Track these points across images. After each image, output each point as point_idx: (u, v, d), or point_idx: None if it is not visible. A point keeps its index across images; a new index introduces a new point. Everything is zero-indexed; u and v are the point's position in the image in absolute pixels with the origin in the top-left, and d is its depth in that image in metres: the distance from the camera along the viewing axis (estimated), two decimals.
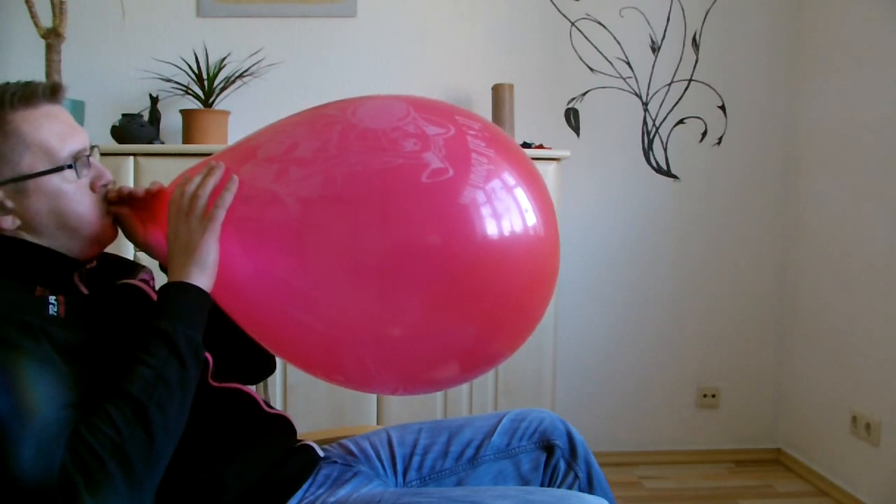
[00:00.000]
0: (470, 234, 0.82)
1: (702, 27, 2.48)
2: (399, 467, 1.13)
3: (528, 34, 2.44)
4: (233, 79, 2.24)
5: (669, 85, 2.49)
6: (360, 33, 2.40)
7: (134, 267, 1.04)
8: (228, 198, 0.86)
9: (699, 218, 2.52)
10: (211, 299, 0.87)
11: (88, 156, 0.91)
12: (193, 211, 0.86)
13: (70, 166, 0.88)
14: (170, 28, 2.34)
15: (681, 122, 2.50)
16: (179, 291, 0.84)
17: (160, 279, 0.95)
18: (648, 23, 2.46)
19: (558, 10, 2.45)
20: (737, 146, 2.51)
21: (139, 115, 2.11)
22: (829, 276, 2.30)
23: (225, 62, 2.27)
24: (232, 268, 0.87)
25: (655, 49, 2.48)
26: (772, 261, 2.55)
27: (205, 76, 2.22)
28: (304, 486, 1.01)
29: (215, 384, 1.02)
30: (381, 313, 0.83)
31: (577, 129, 2.48)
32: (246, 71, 2.27)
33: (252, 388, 1.08)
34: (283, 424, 1.06)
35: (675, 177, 2.52)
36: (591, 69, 2.47)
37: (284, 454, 1.02)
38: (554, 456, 1.13)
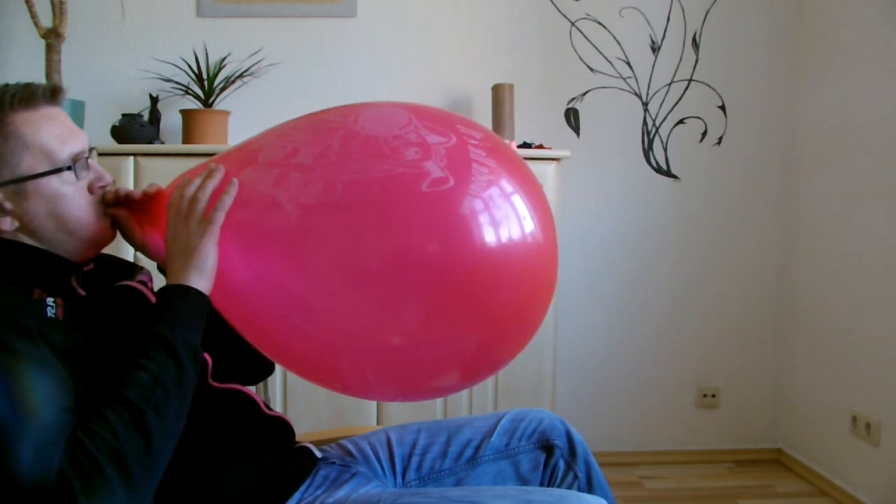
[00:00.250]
0: (470, 243, 0.81)
1: (702, 27, 2.47)
2: (398, 467, 1.13)
3: (528, 34, 2.44)
4: (233, 79, 2.24)
5: (669, 85, 2.49)
6: (360, 33, 2.40)
7: (132, 268, 1.04)
8: (228, 201, 0.86)
9: (699, 218, 2.52)
10: (209, 303, 0.87)
11: (87, 157, 0.91)
12: (193, 213, 0.86)
13: (69, 168, 0.88)
14: (170, 28, 2.34)
15: (681, 122, 2.50)
16: (178, 295, 0.84)
17: (158, 281, 0.95)
18: (648, 23, 2.46)
19: (558, 10, 2.45)
20: (737, 146, 2.51)
21: (139, 115, 2.11)
22: (829, 276, 2.30)
23: (225, 62, 2.27)
24: (230, 272, 0.87)
25: (655, 49, 2.48)
26: (772, 261, 2.55)
27: (205, 76, 2.22)
28: (303, 487, 1.01)
29: (215, 385, 1.02)
30: (380, 321, 0.83)
31: (577, 129, 2.48)
32: (246, 71, 2.27)
33: (252, 390, 1.08)
34: (282, 426, 1.06)
35: (675, 177, 2.52)
36: (591, 69, 2.46)
37: (282, 455, 1.02)
38: (553, 456, 1.14)
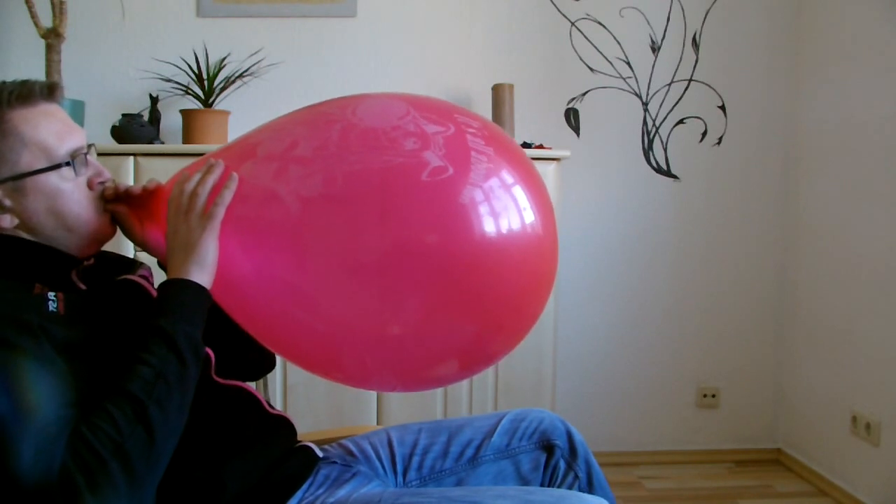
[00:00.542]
0: (469, 232, 0.82)
1: (702, 27, 2.48)
2: (399, 467, 1.13)
3: (528, 34, 2.44)
4: (233, 79, 2.24)
5: (669, 85, 2.49)
6: (360, 33, 2.40)
7: (132, 264, 1.04)
8: (228, 195, 0.86)
9: (699, 218, 2.52)
10: (210, 297, 0.87)
11: (86, 154, 0.91)
12: (193, 208, 0.86)
13: (68, 164, 0.88)
14: (170, 28, 2.34)
15: (681, 122, 2.50)
16: (179, 289, 0.84)
17: (159, 277, 0.95)
18: (648, 23, 2.46)
19: (558, 10, 2.45)
20: (737, 146, 2.51)
21: (139, 115, 2.11)
22: (829, 276, 2.30)
23: (225, 62, 2.27)
24: (231, 266, 0.87)
25: (655, 49, 2.48)
26: (772, 261, 2.55)
27: (205, 76, 2.22)
28: (304, 487, 1.01)
29: (219, 380, 1.02)
30: (380, 312, 0.83)
31: (577, 129, 2.48)
32: (246, 71, 2.27)
33: (254, 388, 1.08)
34: (284, 425, 1.06)
35: (675, 177, 2.52)
36: (591, 69, 2.46)
37: (284, 454, 1.02)
38: (554, 456, 1.13)
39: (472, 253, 0.82)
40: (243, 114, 2.26)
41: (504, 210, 0.84)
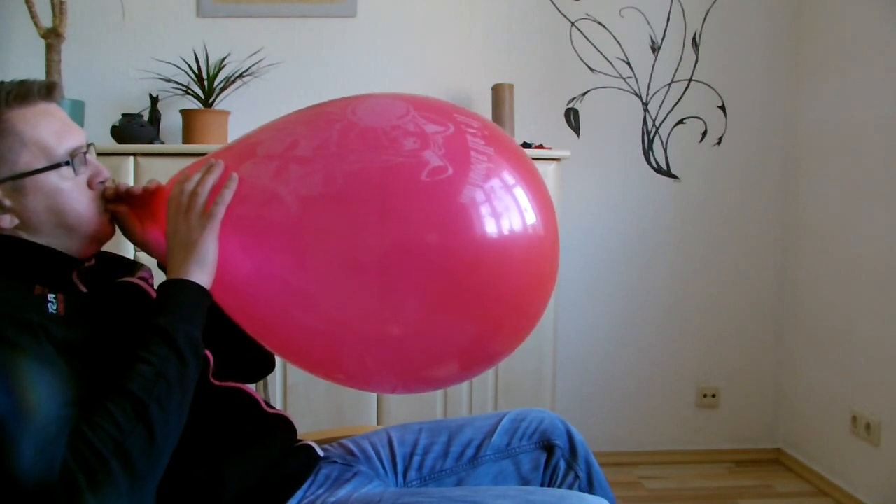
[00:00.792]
0: (469, 232, 0.82)
1: (702, 27, 2.48)
2: (399, 467, 1.13)
3: (528, 34, 2.44)
4: (233, 79, 2.24)
5: (669, 85, 2.49)
6: (360, 33, 2.40)
7: (133, 265, 1.04)
8: (228, 195, 0.86)
9: (699, 218, 2.52)
10: (210, 296, 0.87)
11: (85, 153, 0.91)
12: (193, 208, 0.86)
13: (67, 163, 0.88)
14: (170, 28, 2.34)
15: (681, 122, 2.50)
16: (179, 288, 0.84)
17: (159, 277, 0.95)
18: (648, 23, 2.46)
19: (558, 10, 2.45)
20: (737, 146, 2.51)
21: (139, 115, 2.11)
22: (829, 276, 2.30)
23: (225, 62, 2.27)
24: (231, 266, 0.87)
25: (655, 49, 2.48)
26: (772, 261, 2.55)
27: (205, 76, 2.22)
28: (304, 486, 1.01)
29: (216, 383, 1.02)
30: (381, 312, 0.83)
31: (577, 129, 2.48)
32: (246, 71, 2.27)
33: (252, 388, 1.08)
34: (283, 424, 1.06)
35: (675, 177, 2.52)
36: (591, 69, 2.47)
37: (284, 454, 1.02)
38: (554, 456, 1.13)
39: (473, 253, 0.82)
40: (243, 114, 2.26)
41: (505, 210, 0.84)
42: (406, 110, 0.87)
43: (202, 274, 0.85)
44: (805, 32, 2.45)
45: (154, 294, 0.97)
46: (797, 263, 2.48)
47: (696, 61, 2.48)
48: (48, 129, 0.87)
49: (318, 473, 1.04)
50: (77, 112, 2.02)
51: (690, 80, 2.49)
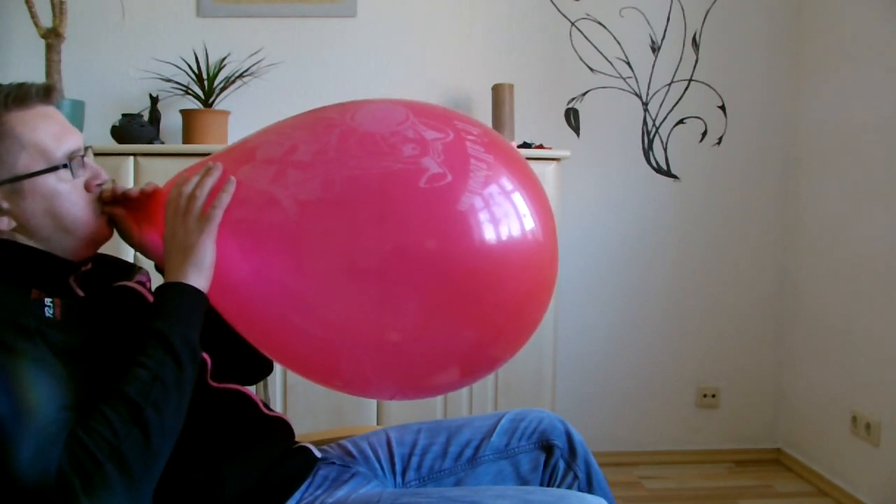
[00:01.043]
0: (468, 239, 0.81)
1: (702, 27, 2.47)
2: (398, 468, 1.13)
3: (528, 34, 2.44)
4: (233, 79, 2.24)
5: (669, 85, 2.49)
6: (360, 33, 2.40)
7: (130, 269, 1.04)
8: (226, 199, 0.86)
9: (699, 218, 2.52)
10: (207, 300, 0.87)
11: (83, 155, 0.91)
12: (190, 211, 0.86)
13: (65, 166, 0.88)
14: (170, 28, 2.34)
15: (681, 122, 2.50)
16: (176, 292, 0.84)
17: (156, 280, 0.95)
18: (648, 23, 2.46)
19: (558, 10, 2.45)
20: (737, 146, 2.51)
21: (139, 115, 2.11)
22: (829, 276, 2.30)
23: (225, 62, 2.27)
24: (228, 269, 0.87)
25: (655, 49, 2.47)
26: (772, 261, 2.55)
27: (205, 76, 2.22)
28: (303, 487, 1.01)
29: (214, 385, 1.02)
30: (379, 318, 0.83)
31: (577, 129, 2.48)
32: (246, 71, 2.27)
33: (251, 390, 1.08)
34: (281, 426, 1.06)
35: (675, 177, 2.52)
36: (591, 69, 2.46)
37: (282, 455, 1.02)
38: (553, 456, 1.13)
39: (471, 259, 0.82)
40: (243, 114, 2.26)
41: (504, 217, 0.84)
42: (405, 116, 0.87)
43: (199, 277, 0.85)
44: (805, 32, 2.45)
45: (151, 298, 0.97)
46: (797, 263, 2.48)
47: (696, 61, 2.48)
48: (46, 131, 0.87)
49: (316, 474, 1.04)
50: (77, 112, 2.02)
51: (690, 80, 2.49)
